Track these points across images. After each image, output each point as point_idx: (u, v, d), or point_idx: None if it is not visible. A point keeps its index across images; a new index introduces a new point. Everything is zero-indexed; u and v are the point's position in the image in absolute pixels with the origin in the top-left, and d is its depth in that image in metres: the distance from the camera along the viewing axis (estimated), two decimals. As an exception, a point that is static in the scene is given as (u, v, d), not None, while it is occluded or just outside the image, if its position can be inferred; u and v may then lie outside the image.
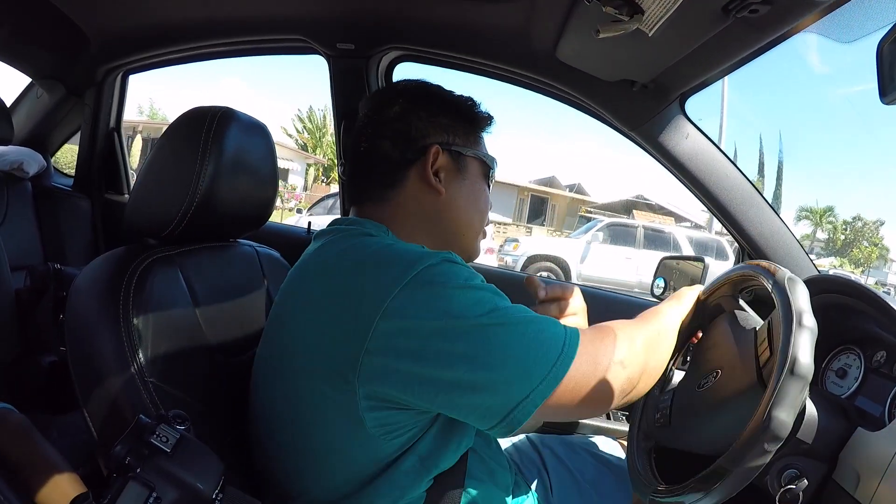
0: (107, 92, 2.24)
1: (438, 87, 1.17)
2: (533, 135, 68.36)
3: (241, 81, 69.93)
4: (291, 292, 0.99)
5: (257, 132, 1.18)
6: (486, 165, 1.15)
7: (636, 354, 0.96)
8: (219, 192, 1.09)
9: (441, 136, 1.09)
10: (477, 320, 0.83)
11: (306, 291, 0.94)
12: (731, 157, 1.61)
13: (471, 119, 1.15)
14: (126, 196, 2.39)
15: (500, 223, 23.58)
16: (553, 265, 12.33)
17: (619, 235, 13.39)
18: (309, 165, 29.39)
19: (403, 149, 1.07)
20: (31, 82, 2.34)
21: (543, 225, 27.80)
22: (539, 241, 15.24)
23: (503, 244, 13.36)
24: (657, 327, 1.06)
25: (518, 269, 11.45)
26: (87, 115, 2.27)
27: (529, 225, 26.50)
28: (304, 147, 31.28)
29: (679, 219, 23.59)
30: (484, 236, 1.19)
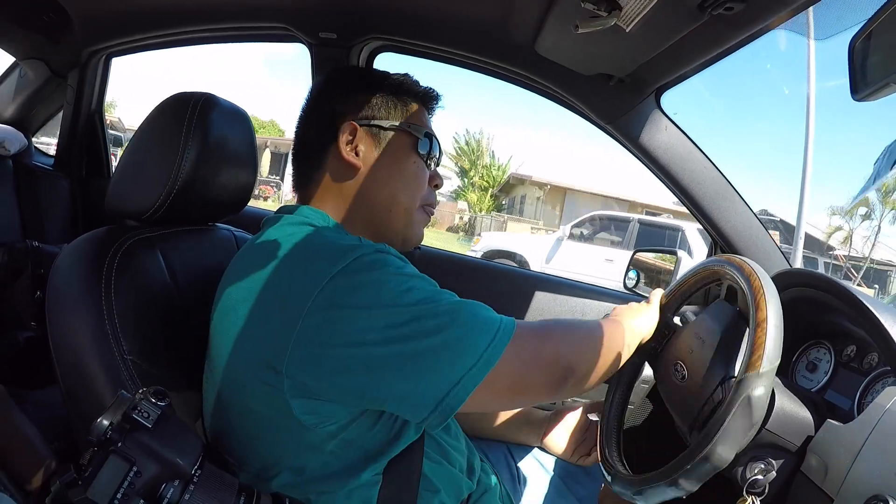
0: (90, 74, 2.22)
1: (364, 70, 1.17)
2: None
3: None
4: (230, 279, 0.96)
5: (238, 118, 1.20)
6: (413, 136, 1.11)
7: (574, 354, 0.97)
8: (200, 176, 1.10)
9: (357, 112, 1.09)
10: (407, 308, 0.83)
11: (242, 281, 0.92)
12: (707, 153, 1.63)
13: (396, 93, 1.12)
14: (106, 178, 2.38)
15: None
16: (509, 262, 10.89)
17: (605, 231, 11.70)
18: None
19: (323, 130, 1.08)
20: (15, 62, 2.33)
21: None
22: (505, 236, 13.86)
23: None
24: (607, 335, 1.03)
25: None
26: (69, 96, 2.25)
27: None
28: (461, 170, 33.08)
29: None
30: (427, 218, 1.15)
